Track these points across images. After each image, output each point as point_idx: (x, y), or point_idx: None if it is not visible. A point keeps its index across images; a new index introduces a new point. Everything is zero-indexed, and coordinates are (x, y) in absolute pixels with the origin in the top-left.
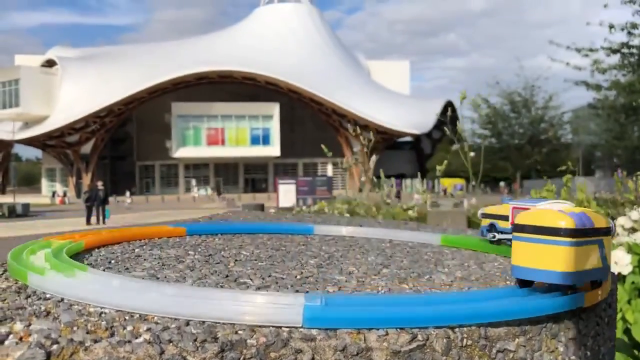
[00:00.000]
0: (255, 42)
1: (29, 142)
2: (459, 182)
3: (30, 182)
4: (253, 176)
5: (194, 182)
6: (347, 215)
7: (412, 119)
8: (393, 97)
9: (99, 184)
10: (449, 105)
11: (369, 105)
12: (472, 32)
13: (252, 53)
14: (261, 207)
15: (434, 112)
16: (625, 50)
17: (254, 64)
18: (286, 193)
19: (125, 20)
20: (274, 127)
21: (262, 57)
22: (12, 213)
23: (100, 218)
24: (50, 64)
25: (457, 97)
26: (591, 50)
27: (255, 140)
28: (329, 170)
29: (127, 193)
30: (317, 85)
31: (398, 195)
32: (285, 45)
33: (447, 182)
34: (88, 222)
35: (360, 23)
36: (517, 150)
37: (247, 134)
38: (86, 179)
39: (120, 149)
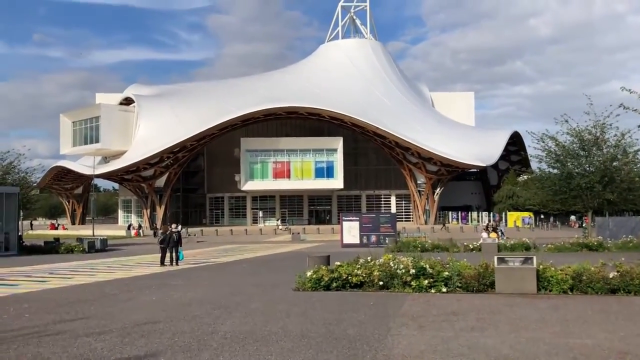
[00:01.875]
0: (321, 78)
1: (107, 176)
2: (527, 215)
3: (107, 213)
4: (317, 208)
5: (260, 213)
6: (412, 271)
7: (477, 150)
8: (457, 129)
9: (173, 226)
10: (515, 136)
11: (433, 138)
12: (539, 59)
13: (317, 89)
14: (327, 260)
15: (500, 143)
16: None
17: (319, 100)
18: (350, 230)
19: (197, 56)
20: (338, 160)
21: (326, 93)
22: (92, 248)
23: (174, 259)
24: (127, 101)
25: (524, 126)
26: None
27: (319, 173)
28: (393, 202)
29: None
30: (381, 119)
31: (495, 229)
32: (349, 80)
33: (515, 216)
34: (162, 263)
35: (424, 53)
36: (588, 190)
37: (311, 167)
38: (160, 212)
39: (192, 181)
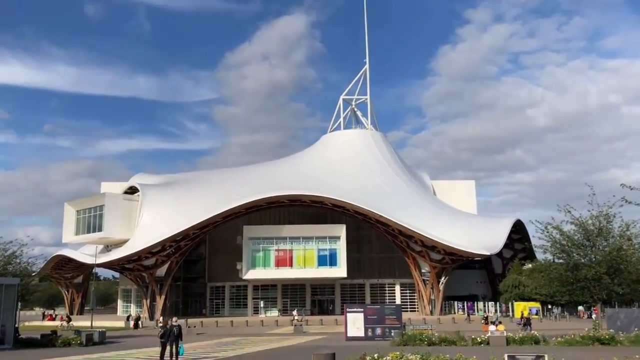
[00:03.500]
0: (323, 167)
1: (108, 265)
2: (534, 305)
3: (106, 302)
4: (320, 297)
5: (262, 303)
6: None
7: (481, 238)
8: (460, 217)
9: (174, 320)
10: (518, 224)
11: (436, 225)
12: (538, 148)
13: (320, 177)
14: (332, 358)
15: (503, 231)
16: None
17: (321, 188)
18: (354, 321)
19: (203, 145)
20: (341, 248)
21: (329, 181)
22: (90, 341)
23: (174, 354)
24: (132, 190)
25: (526, 213)
26: None
27: (322, 261)
28: (397, 291)
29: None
30: (383, 207)
31: (527, 323)
32: (351, 169)
33: (522, 306)
34: (162, 358)
35: (425, 142)
36: (595, 281)
37: (314, 255)
38: (159, 301)
39: (193, 270)
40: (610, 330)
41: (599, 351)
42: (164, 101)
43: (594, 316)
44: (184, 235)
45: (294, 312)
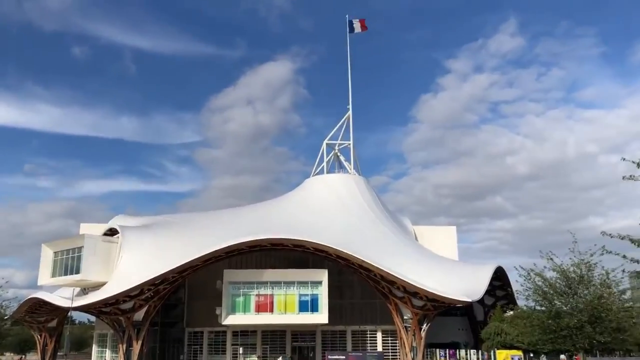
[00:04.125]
0: (306, 211)
1: (85, 309)
2: (516, 353)
3: (80, 347)
4: (300, 344)
5: (241, 350)
6: None
7: (462, 285)
8: (442, 263)
9: None
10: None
11: (418, 271)
12: (518, 195)
13: (303, 221)
14: None
15: (485, 278)
16: None
17: (304, 232)
18: None
19: (185, 187)
20: (323, 294)
21: (312, 225)
22: None
23: None
24: (112, 232)
25: (507, 259)
26: None
27: (303, 307)
28: (379, 338)
29: None
30: (366, 252)
31: None
32: (333, 213)
33: (504, 354)
34: None
35: (407, 187)
36: (577, 330)
37: (295, 300)
38: (136, 347)
39: (171, 315)
40: None
41: None
42: (146, 143)
43: None
44: (163, 278)
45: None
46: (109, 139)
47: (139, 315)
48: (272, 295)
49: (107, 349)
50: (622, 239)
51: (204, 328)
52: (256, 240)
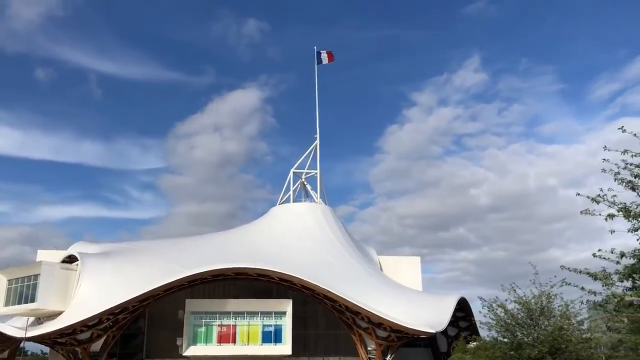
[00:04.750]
0: (271, 240)
1: (39, 339)
2: None
3: None
4: None
5: None
6: None
7: (426, 316)
8: (406, 293)
9: None
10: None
11: (382, 302)
12: (481, 226)
13: (268, 250)
14: None
15: (448, 309)
16: (636, 276)
17: (268, 261)
18: None
19: (147, 214)
20: (286, 324)
21: (277, 254)
22: None
23: None
24: (70, 259)
25: (470, 290)
26: (605, 277)
27: (266, 338)
28: None
29: None
30: (330, 282)
31: None
32: (299, 242)
33: None
34: None
35: (373, 217)
36: None
37: (258, 331)
38: None
39: (130, 345)
40: None
41: None
42: (109, 168)
43: None
44: (124, 307)
45: None
46: (70, 164)
47: (97, 346)
48: (234, 326)
49: None
50: (579, 273)
51: (164, 359)
52: (220, 269)
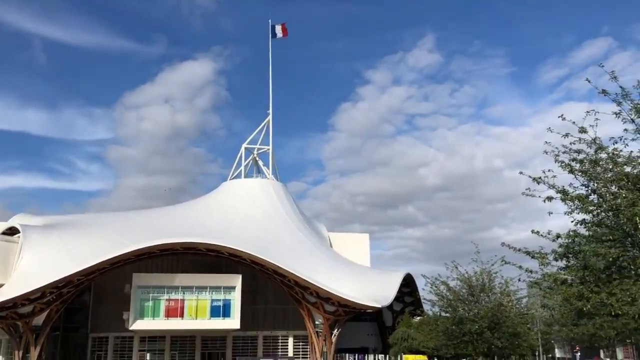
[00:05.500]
0: (221, 215)
1: None
2: (422, 358)
3: None
4: (210, 350)
5: (148, 356)
6: None
7: (373, 291)
8: (354, 269)
9: None
10: (408, 278)
11: (331, 277)
12: (429, 205)
13: (218, 225)
14: None
15: (394, 284)
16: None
17: (218, 236)
18: None
19: (94, 186)
20: (236, 299)
21: (226, 229)
22: None
23: None
24: (12, 231)
25: (416, 267)
26: (542, 257)
27: (215, 312)
28: (290, 343)
29: None
30: (280, 257)
31: None
32: (250, 218)
33: (410, 359)
34: None
35: (324, 194)
36: (477, 335)
37: (207, 305)
38: (34, 354)
39: (74, 319)
40: None
41: None
42: (54, 138)
43: None
44: (68, 281)
45: None
46: (12, 132)
47: (39, 319)
48: (183, 300)
49: (0, 357)
50: (518, 251)
51: (110, 333)
52: (168, 243)
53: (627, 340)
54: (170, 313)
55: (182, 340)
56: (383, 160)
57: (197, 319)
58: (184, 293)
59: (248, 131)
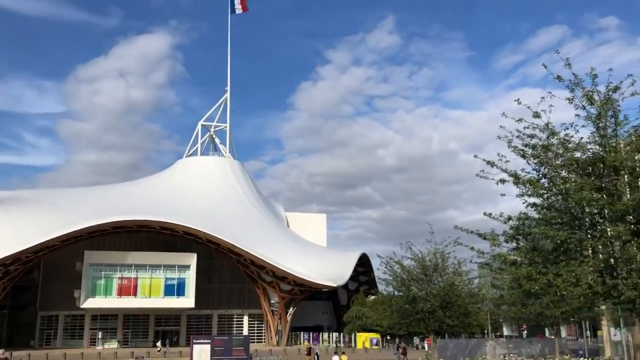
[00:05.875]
0: (176, 192)
1: None
2: (375, 336)
3: None
4: (164, 329)
5: (100, 334)
6: None
7: (329, 271)
8: (311, 249)
9: (0, 352)
10: (363, 258)
11: (288, 257)
12: (386, 186)
13: (172, 203)
14: None
15: (350, 264)
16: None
17: (173, 214)
18: (201, 354)
19: (44, 161)
20: (190, 278)
21: (182, 207)
22: None
23: None
24: None
25: (372, 247)
26: (493, 238)
27: (169, 291)
28: (245, 322)
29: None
30: (237, 236)
31: (404, 353)
32: (206, 196)
33: (364, 337)
34: None
35: (283, 174)
36: (430, 314)
37: (161, 284)
38: None
39: (23, 297)
40: (441, 359)
41: None
42: (2, 110)
43: (426, 347)
44: (15, 258)
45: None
46: None
47: None
48: (136, 279)
49: None
50: (470, 233)
51: (60, 312)
52: (121, 221)
53: (571, 319)
54: (123, 291)
55: (135, 318)
56: (342, 140)
57: (151, 298)
58: (137, 271)
59: (205, 108)
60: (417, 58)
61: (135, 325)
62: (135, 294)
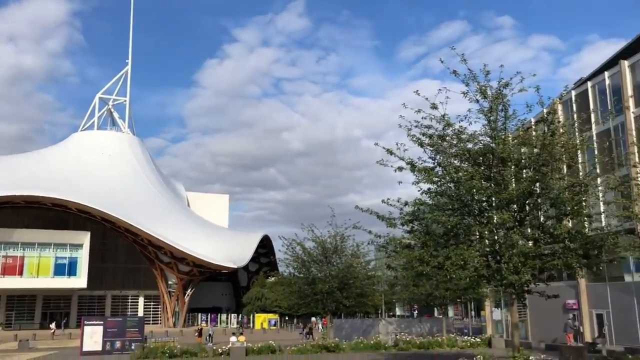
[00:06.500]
0: (70, 167)
1: None
2: (273, 317)
3: None
4: (53, 310)
5: None
6: None
7: (230, 252)
8: (212, 230)
9: None
10: (265, 239)
11: (187, 237)
12: (290, 169)
13: (66, 178)
14: None
15: (251, 245)
16: (415, 222)
17: (66, 190)
18: (92, 335)
19: None
20: (83, 257)
21: (75, 183)
22: None
23: None
24: None
25: (275, 229)
26: (390, 221)
27: (59, 271)
28: (141, 303)
29: None
30: (134, 215)
31: (310, 333)
32: (102, 172)
33: (262, 317)
34: None
35: (185, 152)
36: (328, 295)
37: (50, 263)
38: None
39: None
40: (336, 339)
41: (326, 358)
42: None
43: (320, 327)
44: None
45: (52, 325)
46: None
47: None
48: (22, 257)
49: None
50: (370, 213)
51: None
52: (6, 196)
53: (458, 300)
54: (7, 271)
55: (20, 299)
56: (248, 121)
57: (39, 277)
58: (24, 249)
59: (104, 80)
60: (325, 43)
61: (20, 307)
62: (21, 274)
